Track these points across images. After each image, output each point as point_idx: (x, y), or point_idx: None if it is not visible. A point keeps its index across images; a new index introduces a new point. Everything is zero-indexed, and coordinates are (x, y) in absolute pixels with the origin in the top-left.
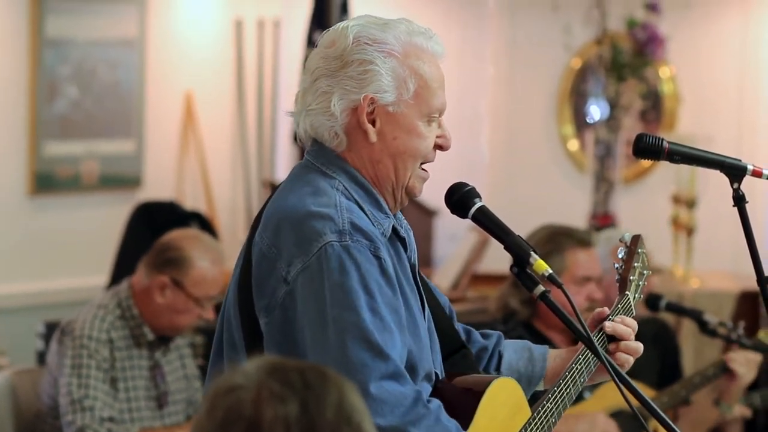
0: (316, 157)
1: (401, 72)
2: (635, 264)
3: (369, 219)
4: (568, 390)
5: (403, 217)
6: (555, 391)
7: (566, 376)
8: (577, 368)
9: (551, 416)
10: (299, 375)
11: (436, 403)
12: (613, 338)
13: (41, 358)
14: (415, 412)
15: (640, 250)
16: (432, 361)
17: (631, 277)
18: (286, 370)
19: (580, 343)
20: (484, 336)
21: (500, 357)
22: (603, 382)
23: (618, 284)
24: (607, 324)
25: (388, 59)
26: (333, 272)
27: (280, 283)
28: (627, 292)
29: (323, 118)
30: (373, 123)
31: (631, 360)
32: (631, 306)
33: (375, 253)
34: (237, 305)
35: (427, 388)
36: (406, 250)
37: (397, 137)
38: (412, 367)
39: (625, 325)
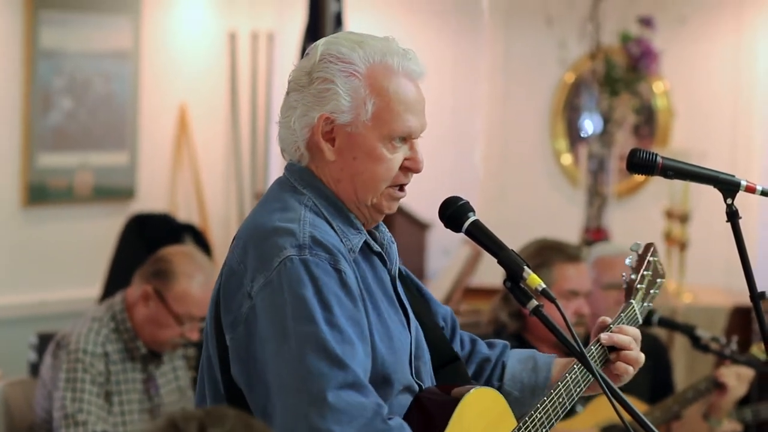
0: (291, 172)
1: (361, 93)
2: (644, 272)
3: (337, 234)
4: (561, 400)
5: (386, 230)
6: (545, 401)
7: (559, 387)
8: (571, 378)
9: (541, 427)
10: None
11: (397, 421)
12: (612, 348)
13: (34, 369)
14: (373, 426)
15: (651, 259)
16: (410, 372)
17: (638, 285)
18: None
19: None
20: (490, 346)
21: (503, 367)
22: (596, 394)
23: (624, 292)
24: (603, 336)
25: (348, 79)
26: (291, 286)
27: (246, 298)
28: (632, 301)
29: (287, 132)
30: (333, 141)
31: (631, 370)
32: (636, 315)
33: (335, 266)
34: (212, 322)
35: (407, 400)
36: (385, 263)
37: (356, 157)
38: (385, 378)
39: (624, 334)
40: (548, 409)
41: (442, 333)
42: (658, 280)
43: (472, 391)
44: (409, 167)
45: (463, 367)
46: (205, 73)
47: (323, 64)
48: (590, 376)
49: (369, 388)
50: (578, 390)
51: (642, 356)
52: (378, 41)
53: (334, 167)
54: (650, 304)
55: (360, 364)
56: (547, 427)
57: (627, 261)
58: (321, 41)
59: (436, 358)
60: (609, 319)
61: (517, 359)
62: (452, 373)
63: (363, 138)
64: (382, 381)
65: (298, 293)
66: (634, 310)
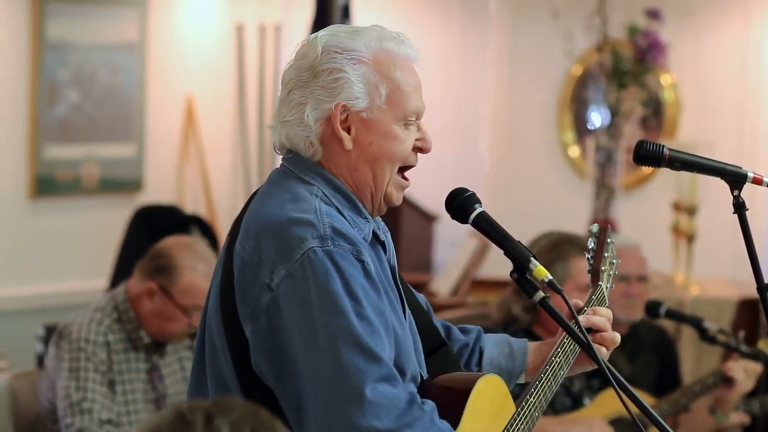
0: (294, 164)
1: (372, 78)
2: (605, 254)
3: (349, 224)
4: (549, 383)
5: (380, 219)
6: (537, 384)
7: (546, 370)
8: (556, 361)
9: (534, 410)
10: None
11: (430, 404)
12: (589, 330)
13: (41, 360)
14: (411, 415)
15: (609, 240)
16: (416, 362)
17: (603, 268)
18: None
19: (557, 335)
20: (464, 332)
21: (481, 352)
22: (603, 388)
23: (590, 276)
24: (581, 317)
25: (358, 66)
26: (318, 278)
27: (264, 290)
28: (600, 283)
29: (298, 129)
30: (348, 130)
31: (605, 351)
32: (604, 297)
33: (358, 257)
34: (219, 313)
35: (414, 390)
36: (385, 252)
37: (372, 143)
38: (400, 369)
39: (599, 316)
40: (540, 393)
41: (430, 319)
42: (615, 261)
43: (482, 379)
44: (421, 147)
45: (451, 352)
46: (212, 65)
47: (327, 56)
48: (570, 359)
49: (398, 378)
50: (562, 372)
51: (617, 335)
52: (370, 29)
53: (350, 156)
54: (613, 285)
55: (387, 355)
56: (540, 410)
57: (589, 244)
58: (313, 37)
59: (426, 345)
60: (580, 303)
61: (493, 344)
62: (442, 359)
63: (378, 122)
64: (398, 372)
65: (327, 286)
66: (603, 293)
